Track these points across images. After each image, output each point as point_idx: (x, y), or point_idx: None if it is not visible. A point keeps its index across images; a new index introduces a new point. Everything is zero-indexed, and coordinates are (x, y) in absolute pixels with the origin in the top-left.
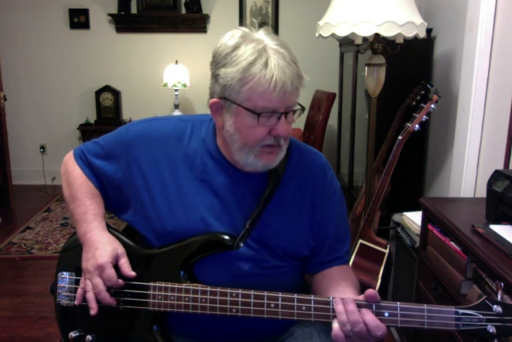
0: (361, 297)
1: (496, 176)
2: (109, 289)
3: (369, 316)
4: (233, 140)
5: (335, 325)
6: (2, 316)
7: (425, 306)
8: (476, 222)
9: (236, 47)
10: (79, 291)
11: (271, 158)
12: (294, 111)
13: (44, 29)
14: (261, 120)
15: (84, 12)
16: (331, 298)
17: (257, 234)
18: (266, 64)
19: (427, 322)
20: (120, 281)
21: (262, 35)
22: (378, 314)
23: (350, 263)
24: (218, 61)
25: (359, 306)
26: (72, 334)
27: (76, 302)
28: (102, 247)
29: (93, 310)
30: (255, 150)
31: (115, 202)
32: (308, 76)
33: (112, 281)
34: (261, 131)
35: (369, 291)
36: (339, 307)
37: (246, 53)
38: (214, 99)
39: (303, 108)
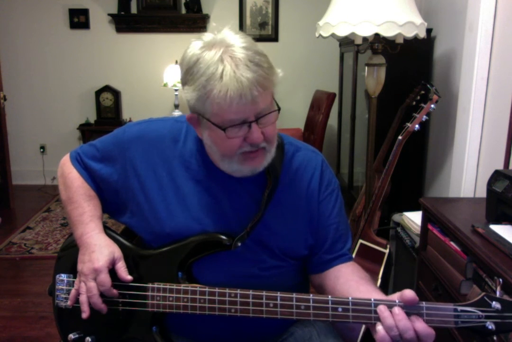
0: (398, 296)
1: (496, 176)
2: (102, 294)
3: (420, 324)
4: (213, 151)
5: (379, 327)
6: (2, 316)
7: (424, 304)
8: (476, 222)
9: (194, 62)
10: (73, 292)
11: (257, 162)
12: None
13: (44, 29)
14: (229, 133)
15: (84, 12)
16: (329, 297)
17: (255, 235)
18: (220, 78)
19: (426, 319)
20: (114, 290)
21: (226, 33)
22: (377, 312)
23: None
24: (182, 78)
25: (354, 304)
26: (72, 336)
27: (69, 303)
28: (99, 250)
29: (85, 313)
30: (236, 159)
31: (112, 204)
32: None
33: (105, 287)
34: (235, 142)
35: (408, 295)
36: (385, 313)
37: (202, 68)
38: (189, 115)
39: (278, 109)
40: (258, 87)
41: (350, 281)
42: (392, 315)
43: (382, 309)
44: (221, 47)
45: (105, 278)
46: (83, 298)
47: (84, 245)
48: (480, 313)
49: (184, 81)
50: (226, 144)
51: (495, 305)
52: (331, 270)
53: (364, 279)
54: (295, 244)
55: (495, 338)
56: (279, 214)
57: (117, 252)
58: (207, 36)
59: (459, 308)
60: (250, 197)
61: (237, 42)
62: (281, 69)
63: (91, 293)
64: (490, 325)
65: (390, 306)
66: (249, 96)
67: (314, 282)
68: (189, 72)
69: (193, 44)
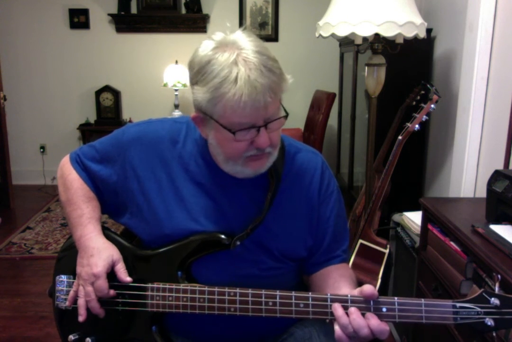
0: (356, 292)
1: (496, 176)
2: (100, 299)
3: (374, 321)
4: (217, 153)
5: (336, 327)
6: (2, 316)
7: (422, 301)
8: (476, 222)
9: (207, 62)
10: (71, 293)
11: (260, 164)
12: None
13: (44, 29)
14: (238, 136)
15: (84, 12)
16: (328, 295)
17: (255, 236)
18: (235, 81)
19: (425, 316)
20: (112, 292)
21: (238, 35)
22: (376, 310)
23: (350, 263)
24: (192, 77)
25: (357, 302)
26: (72, 337)
27: (67, 304)
28: (97, 254)
29: (82, 316)
30: (240, 162)
31: (111, 205)
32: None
33: (103, 293)
34: (242, 145)
35: (367, 290)
36: (338, 311)
37: (215, 70)
38: (195, 114)
39: (286, 115)
40: (271, 93)
41: (328, 279)
42: (347, 314)
43: (335, 307)
44: (235, 50)
45: (102, 284)
46: (81, 302)
47: (82, 247)
48: (479, 309)
49: (194, 81)
50: (232, 146)
51: (494, 301)
52: (321, 271)
53: (343, 277)
54: (294, 246)
55: (494, 334)
56: (280, 215)
57: (115, 254)
58: (217, 35)
59: (458, 304)
60: (250, 198)
61: (250, 45)
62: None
63: (89, 297)
64: (489, 321)
65: (351, 312)
66: (262, 101)
67: (304, 282)
68: (201, 72)
69: (204, 44)
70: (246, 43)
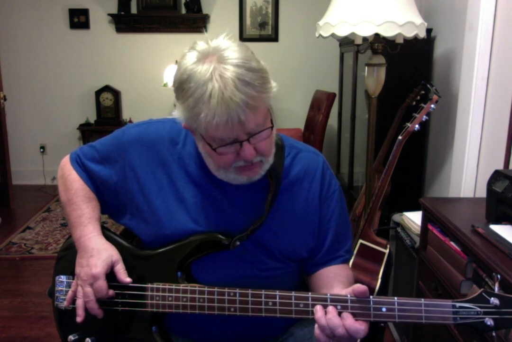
0: (346, 291)
1: (496, 176)
2: (99, 299)
3: (349, 321)
4: (208, 162)
5: (315, 326)
6: (2, 316)
7: (422, 300)
8: (476, 222)
9: (185, 79)
10: (70, 294)
11: (252, 173)
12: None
13: (44, 29)
14: (220, 150)
15: (84, 12)
16: (328, 295)
17: (256, 237)
18: (209, 101)
19: (425, 316)
20: (111, 292)
21: (221, 44)
22: (375, 310)
23: (350, 263)
24: (174, 90)
25: (356, 302)
26: (71, 337)
27: (65, 304)
28: (97, 254)
29: (80, 317)
30: (232, 171)
31: (112, 205)
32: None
33: (102, 293)
34: (228, 158)
35: (358, 288)
36: (319, 313)
37: (191, 88)
38: (184, 124)
39: (271, 126)
40: (246, 109)
41: (324, 279)
42: (324, 315)
43: (317, 309)
44: (212, 63)
45: (102, 285)
46: (79, 302)
47: (82, 248)
48: (478, 309)
49: (176, 96)
50: (219, 158)
51: (494, 301)
52: (321, 270)
53: (339, 276)
54: (296, 247)
55: (494, 334)
56: (281, 216)
57: (115, 255)
58: (200, 45)
59: (458, 304)
60: (250, 199)
61: (230, 56)
62: (281, 69)
63: (88, 298)
64: (489, 321)
65: (328, 311)
66: (236, 120)
67: (306, 282)
68: (180, 89)
69: (187, 56)
70: (226, 53)
